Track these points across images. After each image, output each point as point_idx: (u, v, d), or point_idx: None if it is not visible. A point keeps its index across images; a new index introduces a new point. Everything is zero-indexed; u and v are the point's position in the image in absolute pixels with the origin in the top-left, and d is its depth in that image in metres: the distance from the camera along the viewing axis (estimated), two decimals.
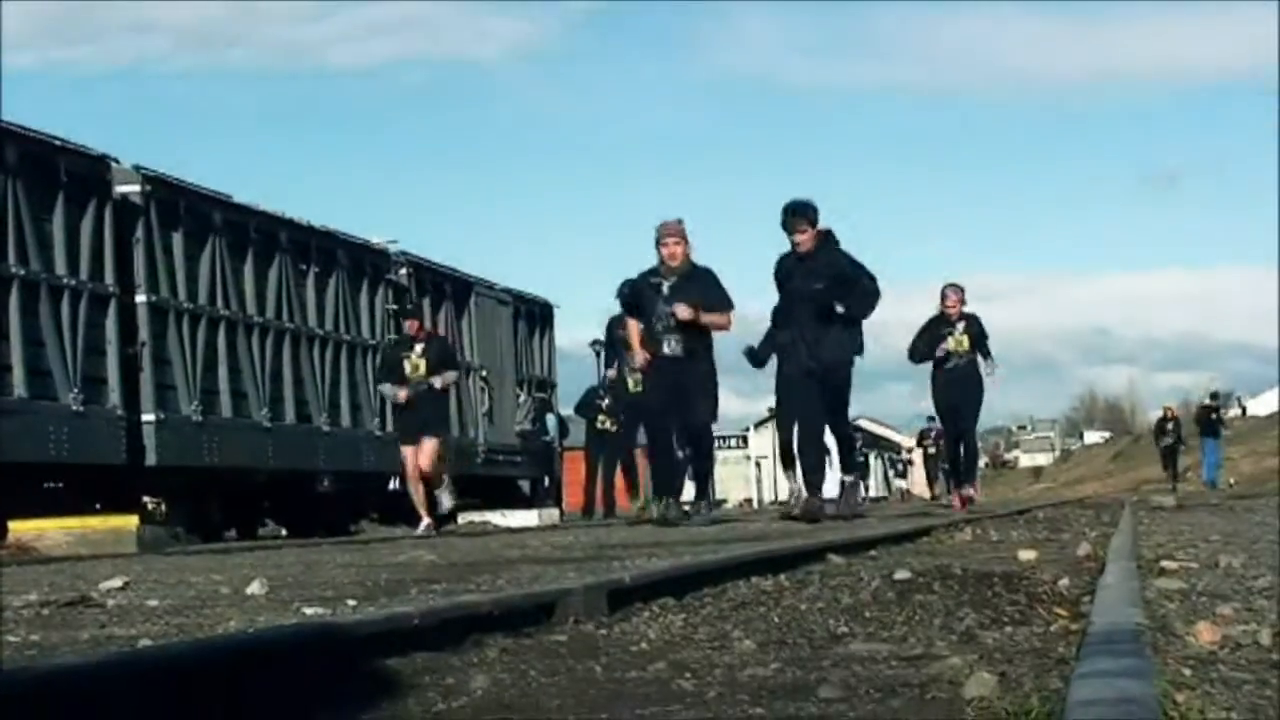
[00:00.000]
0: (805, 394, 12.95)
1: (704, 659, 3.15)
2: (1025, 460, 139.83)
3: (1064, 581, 4.39)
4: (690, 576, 4.60)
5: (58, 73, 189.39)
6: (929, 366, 17.06)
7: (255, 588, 4.89)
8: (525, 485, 25.69)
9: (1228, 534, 7.63)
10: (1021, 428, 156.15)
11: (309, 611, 4.02)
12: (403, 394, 15.14)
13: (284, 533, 18.48)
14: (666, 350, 12.62)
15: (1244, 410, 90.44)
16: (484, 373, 23.64)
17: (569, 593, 3.86)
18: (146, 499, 15.93)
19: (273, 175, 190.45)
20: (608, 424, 23.30)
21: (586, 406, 23.71)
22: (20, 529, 12.89)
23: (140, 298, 15.53)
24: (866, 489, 43.75)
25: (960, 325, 16.70)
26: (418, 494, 15.32)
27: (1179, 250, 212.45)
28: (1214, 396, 38.00)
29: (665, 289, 12.60)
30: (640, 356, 12.99)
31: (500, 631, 3.44)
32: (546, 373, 26.66)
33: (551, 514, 21.81)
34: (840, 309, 12.56)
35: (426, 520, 15.12)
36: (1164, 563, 5.28)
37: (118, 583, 5.43)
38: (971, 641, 3.31)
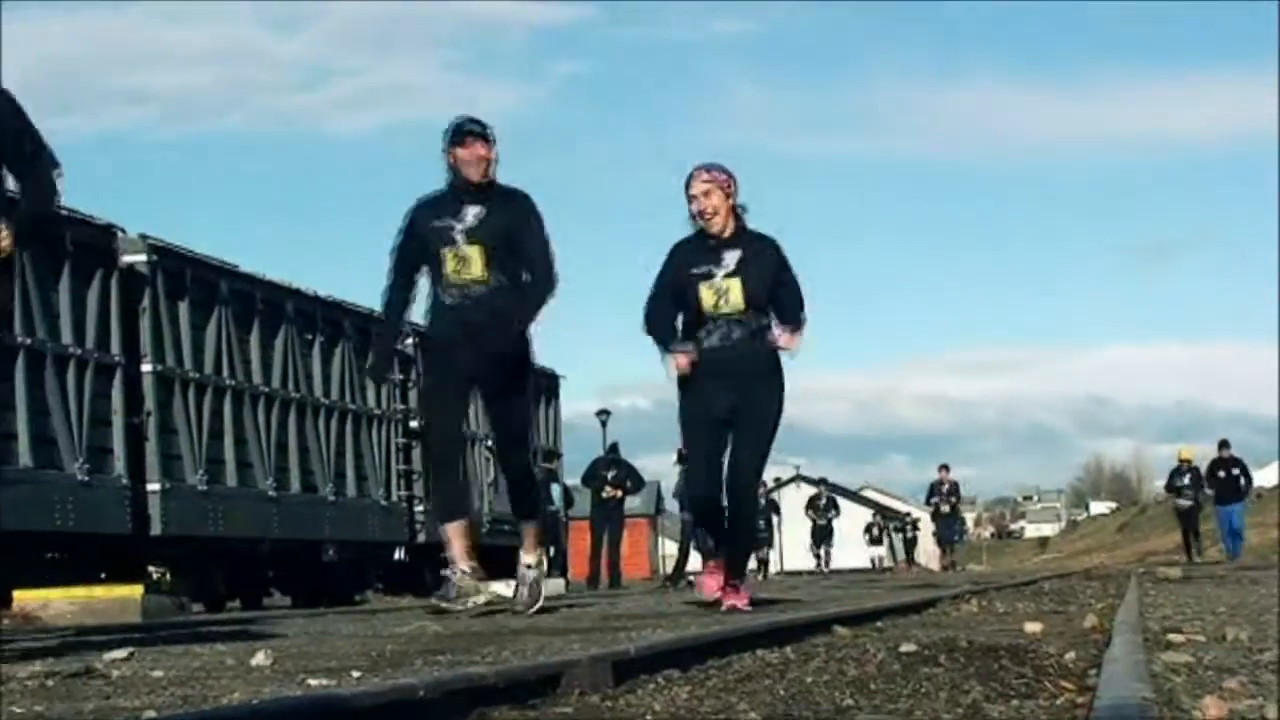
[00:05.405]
0: None
1: None
2: (1031, 531, 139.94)
3: (1070, 654, 4.38)
4: (695, 648, 4.59)
5: (49, 140, 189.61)
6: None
7: (260, 659, 4.87)
8: None
9: (1234, 606, 7.60)
10: (1027, 498, 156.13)
11: (314, 683, 4.01)
12: None
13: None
14: None
15: (1250, 481, 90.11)
16: (489, 443, 23.61)
17: (574, 664, 3.85)
18: (151, 568, 15.94)
19: (268, 245, 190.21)
20: (614, 494, 23.40)
21: (592, 477, 23.82)
22: (25, 598, 12.87)
23: (146, 367, 15.58)
24: (830, 553, 35.79)
25: (730, 256, 8.29)
26: None
27: (1174, 323, 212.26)
28: (1224, 446, 31.17)
29: None
30: None
31: (505, 703, 3.44)
32: (552, 443, 26.66)
33: (557, 584, 21.74)
34: None
35: None
36: (1170, 635, 5.27)
37: (122, 653, 5.41)
38: (978, 715, 3.30)
